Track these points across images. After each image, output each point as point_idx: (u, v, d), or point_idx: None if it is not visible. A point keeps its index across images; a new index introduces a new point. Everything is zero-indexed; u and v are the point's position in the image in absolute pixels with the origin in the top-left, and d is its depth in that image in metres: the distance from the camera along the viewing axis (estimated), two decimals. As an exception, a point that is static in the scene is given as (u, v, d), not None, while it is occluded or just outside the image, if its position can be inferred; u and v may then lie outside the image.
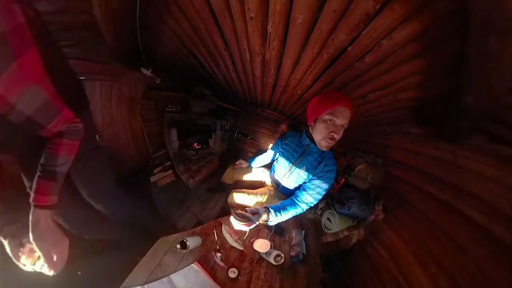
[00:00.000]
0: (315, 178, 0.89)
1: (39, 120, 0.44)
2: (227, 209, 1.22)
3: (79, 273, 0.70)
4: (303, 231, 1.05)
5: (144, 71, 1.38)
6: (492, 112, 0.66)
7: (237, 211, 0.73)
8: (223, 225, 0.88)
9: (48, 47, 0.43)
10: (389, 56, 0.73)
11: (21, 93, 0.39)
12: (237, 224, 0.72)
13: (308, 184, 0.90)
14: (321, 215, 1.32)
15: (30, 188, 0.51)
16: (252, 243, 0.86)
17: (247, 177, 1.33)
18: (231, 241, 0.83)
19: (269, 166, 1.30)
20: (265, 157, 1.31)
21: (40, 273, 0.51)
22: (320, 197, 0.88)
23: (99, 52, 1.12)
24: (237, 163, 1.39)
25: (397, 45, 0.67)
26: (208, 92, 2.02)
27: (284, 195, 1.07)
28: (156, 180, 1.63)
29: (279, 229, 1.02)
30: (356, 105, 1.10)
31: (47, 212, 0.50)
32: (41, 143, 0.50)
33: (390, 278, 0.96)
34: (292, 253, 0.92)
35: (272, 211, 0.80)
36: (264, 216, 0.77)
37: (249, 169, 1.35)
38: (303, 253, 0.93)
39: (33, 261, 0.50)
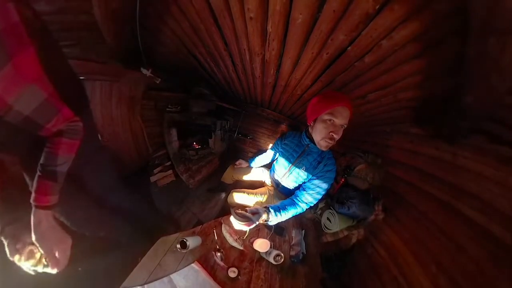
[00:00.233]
0: (315, 178, 0.89)
1: (38, 120, 0.44)
2: (227, 209, 1.22)
3: (79, 269, 0.70)
4: (303, 230, 1.06)
5: (144, 71, 1.38)
6: (492, 112, 0.66)
7: (237, 211, 0.73)
8: (223, 225, 0.88)
9: (46, 47, 0.42)
10: (389, 56, 0.73)
11: (19, 93, 0.38)
12: (237, 224, 0.72)
13: (307, 184, 0.90)
14: (321, 215, 1.32)
15: (32, 187, 0.50)
16: (252, 243, 0.86)
17: (247, 177, 1.33)
18: (231, 240, 0.83)
19: (269, 166, 1.30)
20: (265, 157, 1.31)
21: (40, 272, 0.51)
22: (319, 197, 0.89)
23: (99, 52, 1.12)
24: (237, 163, 1.39)
25: (397, 45, 0.67)
26: (208, 92, 2.02)
27: (284, 195, 1.07)
28: (156, 180, 1.63)
29: (279, 228, 1.02)
30: (356, 105, 1.10)
31: (48, 212, 0.50)
32: (42, 142, 0.50)
33: (390, 278, 0.96)
34: (292, 253, 0.92)
35: (272, 211, 0.80)
36: (264, 216, 0.78)
37: (249, 169, 1.35)
38: (303, 253, 0.93)
39: (34, 263, 0.50)
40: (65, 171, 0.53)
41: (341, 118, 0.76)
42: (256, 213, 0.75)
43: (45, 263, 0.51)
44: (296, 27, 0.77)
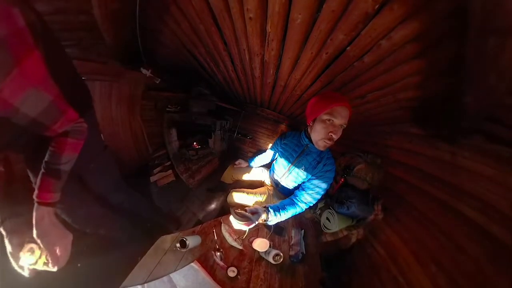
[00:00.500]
0: (314, 178, 0.89)
1: (44, 122, 0.45)
2: (227, 209, 1.22)
3: (78, 264, 0.70)
4: (302, 230, 1.06)
5: (144, 71, 1.39)
6: (491, 112, 0.66)
7: (237, 211, 0.73)
8: (222, 225, 0.89)
9: (50, 49, 0.43)
10: (388, 56, 0.73)
11: (25, 97, 0.39)
12: (236, 224, 0.72)
13: (307, 184, 0.90)
14: (320, 214, 1.32)
15: (36, 184, 0.51)
16: (251, 242, 0.86)
17: (246, 177, 1.33)
18: (230, 240, 0.84)
19: (269, 166, 1.30)
20: (265, 157, 1.31)
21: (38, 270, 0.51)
22: (319, 196, 0.89)
23: (99, 52, 1.12)
24: (236, 162, 1.39)
25: (396, 45, 0.67)
26: (208, 92, 2.02)
27: (284, 195, 1.07)
28: (156, 180, 1.63)
29: (278, 228, 1.02)
30: (355, 105, 1.10)
31: (50, 209, 0.51)
32: (46, 141, 0.51)
33: (389, 277, 0.96)
34: (291, 253, 0.92)
35: (271, 210, 0.80)
36: (264, 216, 0.78)
37: (248, 168, 1.36)
38: (302, 253, 0.93)
39: (34, 261, 0.50)
40: (69, 169, 0.54)
41: (340, 118, 0.76)
42: (255, 213, 0.76)
43: (45, 260, 0.51)
44: (295, 27, 0.77)
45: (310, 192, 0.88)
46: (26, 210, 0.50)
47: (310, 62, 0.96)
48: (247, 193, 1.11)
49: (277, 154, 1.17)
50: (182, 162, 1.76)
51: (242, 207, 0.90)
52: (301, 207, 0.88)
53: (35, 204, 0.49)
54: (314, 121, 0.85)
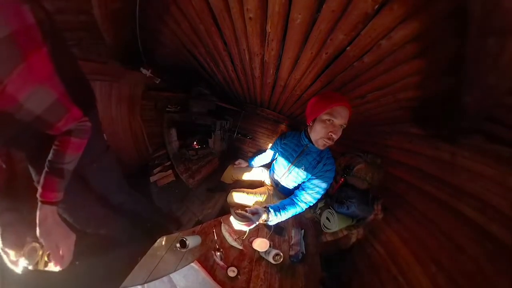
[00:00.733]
0: (314, 177, 0.89)
1: (48, 119, 0.45)
2: (227, 209, 1.23)
3: (76, 262, 0.70)
4: (302, 230, 1.06)
5: (144, 71, 1.39)
6: (491, 112, 0.66)
7: (237, 211, 0.73)
8: (222, 224, 0.89)
9: (57, 47, 0.43)
10: (388, 56, 0.73)
11: (30, 93, 0.39)
12: (237, 224, 0.72)
13: (307, 184, 0.90)
14: (320, 214, 1.32)
15: (38, 182, 0.51)
16: (251, 242, 0.86)
17: (246, 177, 1.33)
18: (230, 240, 0.84)
19: (269, 166, 1.30)
20: (265, 157, 1.32)
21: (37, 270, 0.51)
22: (319, 196, 0.89)
23: (99, 52, 1.12)
24: (236, 162, 1.39)
25: (396, 45, 0.67)
26: (208, 92, 2.02)
27: (283, 195, 1.07)
28: (156, 180, 1.63)
29: (278, 228, 1.02)
30: (355, 105, 1.10)
31: (54, 208, 0.51)
32: (49, 139, 0.50)
33: (389, 277, 0.96)
34: (291, 253, 0.92)
35: (271, 210, 0.80)
36: (264, 216, 0.78)
37: (248, 168, 1.36)
38: (302, 253, 0.93)
39: (36, 260, 0.50)
40: (72, 168, 0.54)
41: (340, 118, 0.76)
42: (256, 213, 0.76)
43: (47, 260, 0.51)
44: (295, 27, 0.77)
45: (310, 192, 0.88)
46: (25, 206, 0.50)
47: (310, 62, 0.96)
48: (247, 193, 1.11)
49: (277, 154, 1.17)
50: (182, 162, 1.76)
51: (242, 207, 0.90)
52: (301, 206, 0.88)
53: (39, 203, 0.49)
54: (314, 121, 0.85)
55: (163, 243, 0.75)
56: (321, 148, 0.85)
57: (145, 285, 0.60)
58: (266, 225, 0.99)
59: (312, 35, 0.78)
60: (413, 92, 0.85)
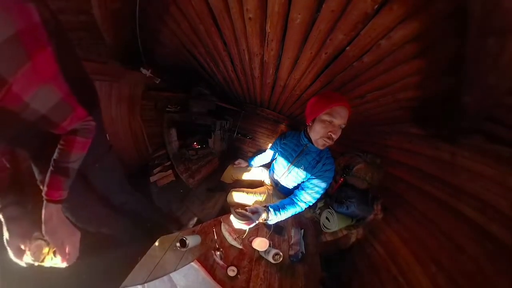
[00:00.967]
0: (314, 177, 0.89)
1: (53, 119, 0.45)
2: (227, 208, 1.23)
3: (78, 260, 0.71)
4: (302, 230, 1.06)
5: (144, 71, 1.39)
6: (491, 112, 0.66)
7: (237, 210, 0.73)
8: (222, 224, 0.89)
9: (62, 46, 0.43)
10: (387, 56, 0.73)
11: (36, 92, 0.39)
12: (237, 223, 0.72)
13: (306, 184, 0.91)
14: (320, 214, 1.32)
15: (41, 182, 0.53)
16: (251, 242, 0.87)
17: (246, 177, 1.34)
18: (230, 239, 0.84)
19: (268, 166, 1.30)
20: (265, 157, 1.32)
21: (38, 267, 0.51)
22: (318, 196, 0.89)
23: (99, 52, 1.13)
24: (236, 162, 1.40)
25: (396, 45, 0.67)
26: (208, 92, 2.03)
27: (283, 194, 1.07)
28: (156, 180, 1.64)
29: (278, 228, 1.02)
30: (355, 105, 1.10)
31: (59, 206, 0.52)
32: (52, 138, 0.51)
33: (389, 277, 0.96)
34: (291, 252, 0.92)
35: (271, 210, 0.80)
36: (264, 215, 0.78)
37: (248, 168, 1.36)
38: (302, 252, 0.93)
39: (42, 257, 0.51)
40: (77, 167, 0.54)
41: (339, 118, 0.76)
42: (256, 212, 0.76)
43: (53, 256, 0.51)
44: (295, 27, 0.77)
45: (310, 191, 0.88)
46: (29, 201, 0.51)
47: (309, 62, 0.96)
48: (247, 192, 1.12)
49: (276, 153, 1.17)
50: (182, 162, 1.76)
51: (242, 206, 0.90)
52: (301, 206, 0.88)
53: (44, 202, 0.50)
54: (313, 121, 0.85)
55: (163, 242, 0.75)
56: (321, 148, 0.85)
57: (145, 284, 0.61)
58: (265, 225, 0.99)
59: (312, 35, 0.78)
60: (413, 92, 0.85)
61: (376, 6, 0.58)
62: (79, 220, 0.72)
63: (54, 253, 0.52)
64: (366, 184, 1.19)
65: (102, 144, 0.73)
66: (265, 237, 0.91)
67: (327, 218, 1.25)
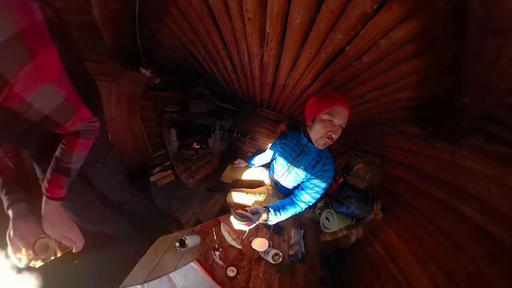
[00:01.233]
0: (314, 177, 0.89)
1: (57, 119, 0.45)
2: (226, 208, 1.23)
3: (75, 261, 0.71)
4: (302, 230, 1.06)
5: (144, 71, 1.39)
6: (490, 112, 0.66)
7: (237, 211, 0.73)
8: (222, 224, 0.89)
9: (66, 46, 0.42)
10: (387, 55, 0.73)
11: (38, 93, 0.39)
12: (237, 224, 0.72)
13: (306, 184, 0.90)
14: (319, 214, 1.32)
15: (43, 180, 0.53)
16: (250, 242, 0.86)
17: (246, 177, 1.33)
18: (229, 239, 0.84)
19: (268, 166, 1.30)
20: (264, 157, 1.32)
21: (40, 266, 0.53)
22: (318, 196, 0.89)
23: (98, 52, 1.12)
24: (236, 162, 1.39)
25: (395, 45, 0.67)
26: (208, 92, 2.02)
27: (283, 195, 1.07)
28: (156, 180, 1.64)
29: (278, 228, 1.02)
30: (355, 105, 1.10)
31: (58, 202, 0.53)
32: (54, 138, 0.51)
33: (389, 276, 0.96)
34: (291, 252, 0.92)
35: (271, 210, 0.80)
36: (264, 216, 0.78)
37: (248, 168, 1.36)
38: (302, 252, 0.93)
39: (53, 253, 0.53)
40: (78, 167, 0.55)
41: (339, 118, 0.76)
42: (256, 213, 0.76)
43: (61, 248, 0.54)
44: (294, 27, 0.77)
45: (310, 191, 0.88)
46: (36, 198, 0.52)
47: (309, 62, 0.96)
48: (247, 192, 1.12)
49: (276, 153, 1.17)
50: (181, 162, 1.76)
51: (242, 206, 0.89)
52: (300, 206, 0.88)
53: (44, 198, 0.51)
54: (313, 121, 0.85)
55: (163, 243, 0.75)
56: (321, 147, 0.85)
57: (145, 284, 0.61)
58: (265, 225, 0.99)
59: (311, 35, 0.78)
60: (413, 92, 0.84)
61: (375, 6, 0.58)
62: (80, 219, 0.72)
63: (60, 245, 0.54)
64: (366, 183, 1.19)
65: (104, 144, 0.74)
66: (265, 237, 0.91)
67: (327, 218, 1.25)
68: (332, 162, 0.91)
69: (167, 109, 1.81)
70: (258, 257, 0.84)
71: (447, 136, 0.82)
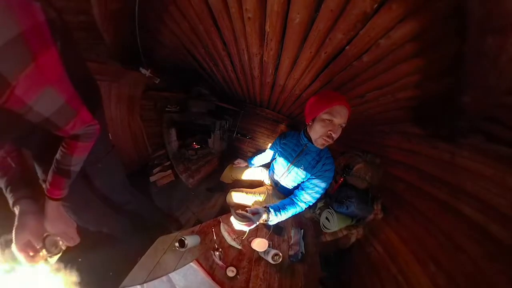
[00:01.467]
0: (314, 177, 0.89)
1: (57, 122, 0.45)
2: (226, 208, 1.23)
3: (79, 259, 0.72)
4: (302, 230, 1.06)
5: (143, 71, 1.39)
6: (490, 112, 0.66)
7: (238, 211, 0.73)
8: (221, 224, 0.89)
9: (67, 47, 0.42)
10: (387, 55, 0.73)
11: (39, 95, 0.38)
12: (237, 224, 0.72)
13: (306, 184, 0.90)
14: (319, 214, 1.32)
15: (43, 181, 0.54)
16: (250, 242, 0.86)
17: (246, 177, 1.33)
18: (229, 240, 0.84)
19: (268, 166, 1.30)
20: (264, 157, 1.31)
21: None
22: (318, 196, 0.89)
23: (98, 52, 1.12)
24: (236, 162, 1.39)
25: (395, 45, 0.67)
26: (207, 92, 2.02)
27: (283, 195, 1.07)
28: (156, 180, 1.64)
29: (278, 228, 1.02)
30: (355, 104, 1.10)
31: (59, 202, 0.56)
32: (55, 139, 0.51)
33: (389, 276, 0.96)
34: (291, 252, 0.92)
35: (272, 210, 0.80)
36: (264, 216, 0.78)
37: (248, 168, 1.36)
38: (301, 252, 0.93)
39: (60, 250, 0.56)
40: (78, 169, 0.56)
41: (339, 117, 0.76)
42: (256, 213, 0.76)
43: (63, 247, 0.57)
44: (294, 27, 0.77)
45: (310, 191, 0.88)
46: (41, 197, 0.54)
47: (309, 61, 0.96)
48: (246, 192, 1.11)
49: (276, 153, 1.17)
50: (181, 162, 1.76)
51: (242, 207, 0.89)
52: (301, 206, 0.88)
53: (46, 198, 0.53)
54: (313, 120, 0.85)
55: (163, 242, 0.75)
56: (321, 147, 0.85)
57: (145, 284, 0.61)
58: (265, 225, 0.99)
59: (311, 35, 0.78)
60: (413, 91, 0.84)
61: (375, 6, 0.58)
62: (81, 219, 0.73)
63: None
64: (366, 183, 1.19)
65: (105, 144, 0.74)
66: (265, 238, 0.91)
67: (327, 218, 1.25)
68: (332, 162, 0.91)
69: (167, 109, 1.81)
70: (258, 257, 0.84)
71: (447, 136, 0.82)
